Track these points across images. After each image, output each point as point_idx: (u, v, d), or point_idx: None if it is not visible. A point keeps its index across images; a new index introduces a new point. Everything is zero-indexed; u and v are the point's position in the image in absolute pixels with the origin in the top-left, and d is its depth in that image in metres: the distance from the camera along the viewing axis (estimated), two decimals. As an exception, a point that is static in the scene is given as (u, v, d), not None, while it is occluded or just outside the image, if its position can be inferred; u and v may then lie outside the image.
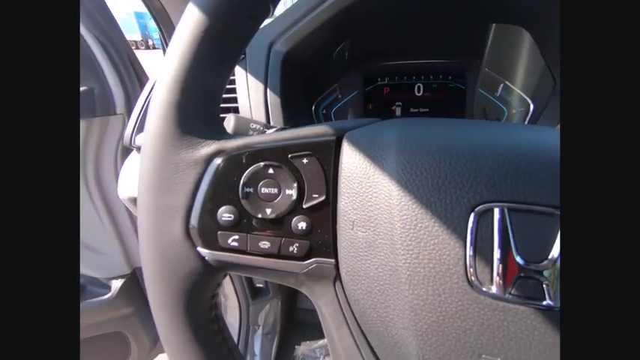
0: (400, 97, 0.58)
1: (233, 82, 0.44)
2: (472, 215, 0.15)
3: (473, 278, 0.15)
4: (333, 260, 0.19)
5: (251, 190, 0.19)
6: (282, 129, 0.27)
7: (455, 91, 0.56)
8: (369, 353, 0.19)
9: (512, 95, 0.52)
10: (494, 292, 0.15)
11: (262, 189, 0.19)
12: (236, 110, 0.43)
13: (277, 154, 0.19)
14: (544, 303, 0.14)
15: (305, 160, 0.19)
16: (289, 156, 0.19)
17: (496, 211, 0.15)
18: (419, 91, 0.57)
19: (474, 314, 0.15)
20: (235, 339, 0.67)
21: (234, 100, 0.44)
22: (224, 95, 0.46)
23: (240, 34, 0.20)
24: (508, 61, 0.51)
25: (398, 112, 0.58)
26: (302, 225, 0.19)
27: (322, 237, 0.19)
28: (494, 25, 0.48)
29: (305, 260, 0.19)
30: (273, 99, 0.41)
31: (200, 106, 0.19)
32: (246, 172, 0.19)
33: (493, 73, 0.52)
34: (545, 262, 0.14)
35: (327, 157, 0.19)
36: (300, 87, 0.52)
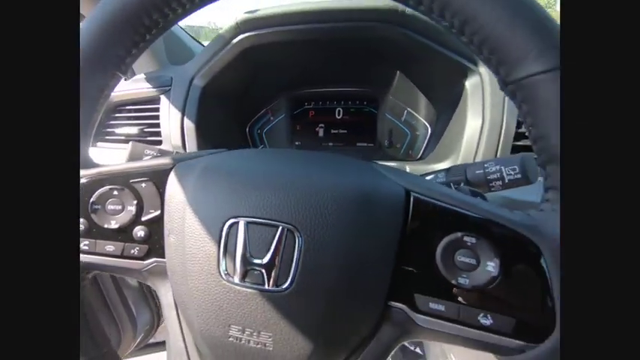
0: (323, 119, 0.65)
1: (158, 110, 0.51)
2: (225, 226, 0.22)
3: (223, 271, 0.21)
4: (165, 260, 0.25)
5: (99, 207, 0.25)
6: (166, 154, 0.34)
7: (369, 114, 0.63)
8: (185, 330, 0.26)
9: (415, 120, 0.60)
10: (237, 281, 0.21)
11: (109, 206, 0.26)
12: (158, 134, 0.51)
13: (120, 180, 0.26)
14: (264, 287, 0.21)
15: (143, 185, 0.26)
16: (130, 181, 0.26)
17: (241, 223, 0.21)
18: (339, 115, 0.65)
19: (225, 297, 0.21)
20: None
21: (158, 125, 0.51)
22: (150, 121, 0.53)
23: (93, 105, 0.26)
24: (412, 92, 0.58)
25: (321, 132, 0.66)
26: (141, 233, 0.25)
27: (159, 242, 0.26)
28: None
29: (145, 260, 0.26)
30: (189, 127, 0.49)
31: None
32: (95, 193, 0.25)
33: (398, 101, 0.60)
34: (264, 259, 0.21)
35: (163, 181, 0.26)
36: (230, 113, 0.59)
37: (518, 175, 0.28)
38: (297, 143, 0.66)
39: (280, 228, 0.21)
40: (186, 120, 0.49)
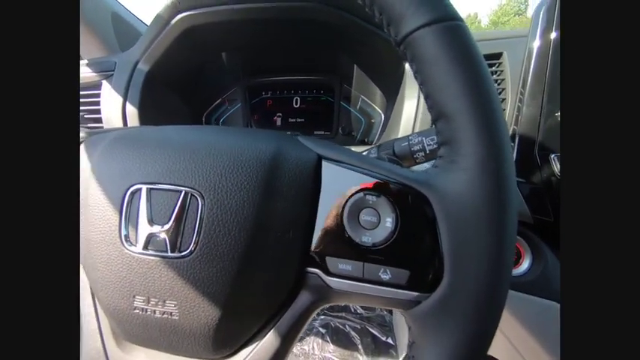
0: (280, 108, 0.65)
1: (99, 95, 0.49)
2: (127, 193, 0.21)
3: (124, 239, 0.21)
4: None
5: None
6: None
7: (326, 103, 0.64)
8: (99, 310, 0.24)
9: (371, 108, 0.61)
10: (139, 249, 0.20)
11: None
12: (99, 120, 0.48)
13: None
14: (167, 254, 0.20)
15: None
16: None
17: (143, 190, 0.21)
18: (296, 104, 0.65)
19: (127, 266, 0.21)
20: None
21: (99, 111, 0.48)
22: (91, 107, 0.51)
23: None
24: (366, 80, 0.59)
25: (278, 122, 0.65)
26: None
27: None
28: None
29: None
30: (131, 112, 0.47)
31: None
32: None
33: (353, 89, 0.61)
34: (167, 225, 0.20)
35: None
36: (183, 101, 0.58)
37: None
38: None
39: (183, 192, 0.20)
40: (128, 105, 0.47)
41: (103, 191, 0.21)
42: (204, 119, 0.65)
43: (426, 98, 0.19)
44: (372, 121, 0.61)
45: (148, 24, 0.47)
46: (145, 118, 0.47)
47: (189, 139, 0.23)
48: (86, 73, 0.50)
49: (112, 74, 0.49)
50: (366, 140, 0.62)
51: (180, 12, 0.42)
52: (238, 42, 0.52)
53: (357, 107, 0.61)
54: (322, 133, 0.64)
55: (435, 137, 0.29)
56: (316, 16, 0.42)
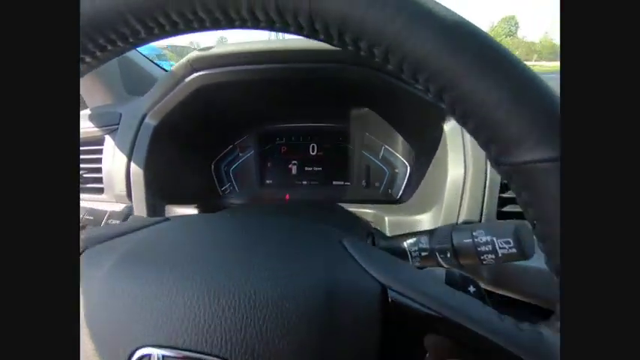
0: (296, 156, 0.61)
1: (101, 152, 0.44)
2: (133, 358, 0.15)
3: None
4: None
5: None
6: None
7: (345, 150, 0.59)
8: None
9: (394, 157, 0.56)
10: None
11: None
12: (100, 180, 0.43)
13: None
14: None
15: None
16: None
17: (154, 356, 0.15)
18: (313, 151, 0.60)
19: None
20: None
21: (100, 170, 0.44)
22: (91, 165, 0.46)
23: None
24: (388, 128, 0.55)
25: (294, 170, 0.61)
26: None
27: None
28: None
29: None
30: (136, 172, 0.42)
31: None
32: None
33: (374, 137, 0.57)
34: None
35: None
36: (190, 149, 0.53)
37: (513, 250, 0.23)
38: (267, 182, 0.61)
39: None
40: (133, 165, 0.42)
41: (96, 351, 0.16)
42: (213, 167, 0.60)
43: (534, 223, 0.15)
44: (396, 171, 0.56)
45: (175, 54, 0.43)
46: (150, 176, 0.42)
47: (211, 270, 0.17)
48: (88, 128, 0.45)
49: (117, 128, 0.45)
50: (390, 191, 0.57)
51: (195, 70, 0.39)
52: (254, 98, 0.48)
53: (380, 156, 0.57)
54: (341, 183, 0.59)
55: (510, 240, 0.23)
56: (344, 76, 0.39)
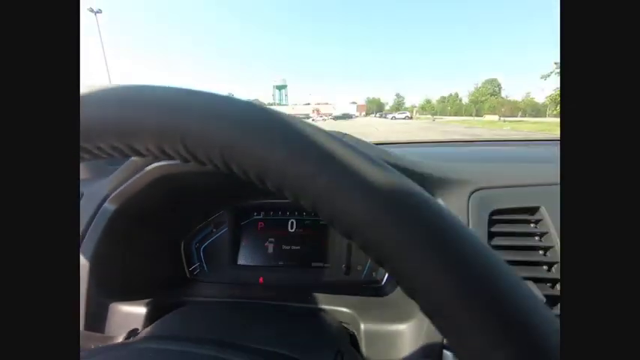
0: (274, 232, 0.57)
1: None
2: None
3: None
4: None
5: None
6: None
7: (325, 228, 0.55)
8: None
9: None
10: None
11: None
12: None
13: None
14: None
15: None
16: None
17: None
18: (292, 227, 0.56)
19: None
20: None
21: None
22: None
23: None
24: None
25: (270, 249, 0.56)
26: None
27: None
28: None
29: None
30: (84, 265, 0.37)
31: None
32: None
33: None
34: None
35: None
36: (151, 231, 0.49)
37: None
38: (240, 263, 0.55)
39: None
40: (81, 257, 0.38)
41: None
42: (182, 246, 0.56)
43: None
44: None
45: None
46: (98, 269, 0.38)
47: None
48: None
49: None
50: (374, 274, 0.51)
51: (153, 161, 0.37)
52: (222, 183, 0.46)
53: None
54: (321, 265, 0.54)
55: None
56: None
